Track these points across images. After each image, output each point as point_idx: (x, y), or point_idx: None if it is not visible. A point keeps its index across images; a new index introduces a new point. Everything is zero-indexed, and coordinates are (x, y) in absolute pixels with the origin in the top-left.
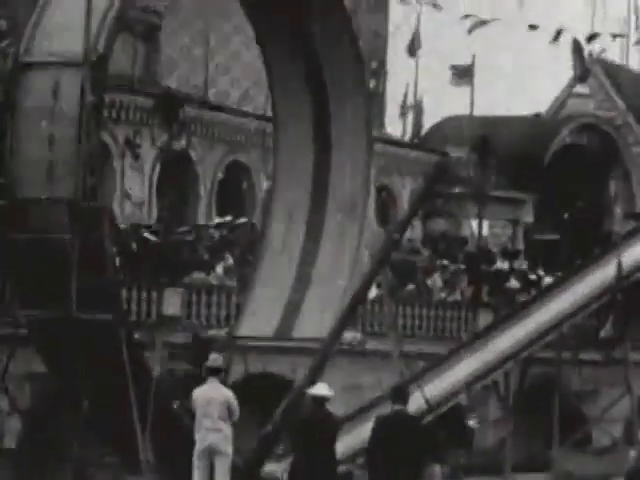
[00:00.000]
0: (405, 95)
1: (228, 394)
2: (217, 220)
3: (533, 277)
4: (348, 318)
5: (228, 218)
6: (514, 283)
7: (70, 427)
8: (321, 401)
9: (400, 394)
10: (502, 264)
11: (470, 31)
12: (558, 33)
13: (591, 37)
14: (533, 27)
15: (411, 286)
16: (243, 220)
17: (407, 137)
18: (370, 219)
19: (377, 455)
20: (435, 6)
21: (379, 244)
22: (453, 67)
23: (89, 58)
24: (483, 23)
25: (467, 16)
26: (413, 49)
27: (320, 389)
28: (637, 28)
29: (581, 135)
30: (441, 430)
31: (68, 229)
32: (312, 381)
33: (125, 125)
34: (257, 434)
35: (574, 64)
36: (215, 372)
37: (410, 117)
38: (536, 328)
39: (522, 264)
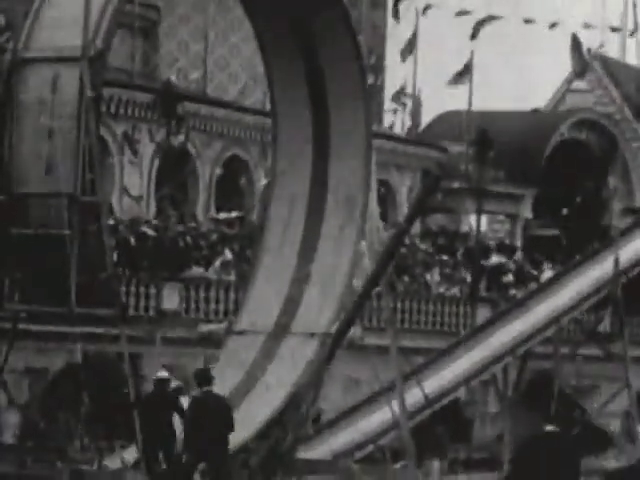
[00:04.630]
0: (402, 87)
1: None
2: (223, 215)
3: (531, 272)
4: (357, 312)
5: (234, 214)
6: (510, 278)
7: (70, 422)
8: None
9: (204, 377)
10: (498, 259)
11: (473, 36)
12: (553, 25)
13: (586, 26)
14: (529, 21)
15: (406, 278)
16: (236, 214)
17: (403, 130)
18: (374, 214)
19: (194, 434)
20: (427, 8)
21: (382, 239)
22: (453, 75)
23: (88, 53)
24: (481, 23)
25: (463, 13)
26: (406, 53)
27: (161, 372)
28: (635, 24)
29: (580, 130)
30: (440, 425)
31: (67, 224)
32: (320, 375)
33: (124, 120)
34: None
35: (573, 59)
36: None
37: (405, 110)
38: (534, 323)
39: (518, 259)
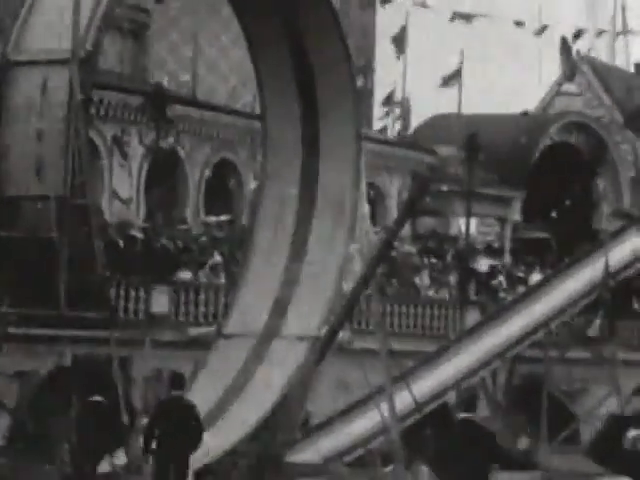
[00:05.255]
0: (392, 91)
1: None
2: (213, 218)
3: (520, 275)
4: (346, 315)
5: (224, 217)
6: (500, 280)
7: (60, 425)
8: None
9: (178, 381)
10: (488, 262)
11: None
12: (543, 28)
13: (577, 35)
14: (519, 23)
15: (395, 282)
16: (226, 217)
17: (393, 133)
18: (364, 217)
19: (155, 435)
20: (424, 5)
21: (371, 242)
22: (443, 79)
23: (77, 55)
24: (469, 17)
25: (455, 15)
26: (401, 46)
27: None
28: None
29: (569, 133)
30: (428, 428)
31: (57, 226)
32: (309, 377)
33: (113, 123)
34: None
35: (562, 62)
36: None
37: (396, 113)
38: (524, 326)
39: (507, 262)
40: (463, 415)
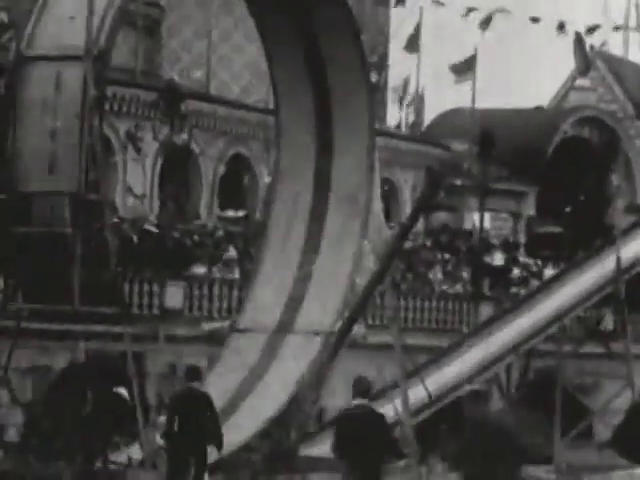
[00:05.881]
0: (405, 85)
1: None
2: (230, 213)
3: (534, 269)
4: (360, 310)
5: (241, 213)
6: (515, 274)
7: (73, 420)
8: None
9: (194, 374)
10: (500, 256)
11: (482, 28)
12: (561, 25)
13: (591, 29)
14: (535, 20)
15: (409, 276)
16: (242, 212)
17: (405, 127)
18: (378, 212)
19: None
20: (438, 2)
21: (385, 237)
22: (453, 66)
23: (91, 51)
24: (489, 18)
25: (470, 10)
26: (413, 46)
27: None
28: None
29: (583, 128)
30: (442, 423)
31: (70, 222)
32: (323, 372)
33: (127, 118)
34: None
35: (576, 57)
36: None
37: (410, 108)
38: (537, 321)
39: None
40: (357, 402)
